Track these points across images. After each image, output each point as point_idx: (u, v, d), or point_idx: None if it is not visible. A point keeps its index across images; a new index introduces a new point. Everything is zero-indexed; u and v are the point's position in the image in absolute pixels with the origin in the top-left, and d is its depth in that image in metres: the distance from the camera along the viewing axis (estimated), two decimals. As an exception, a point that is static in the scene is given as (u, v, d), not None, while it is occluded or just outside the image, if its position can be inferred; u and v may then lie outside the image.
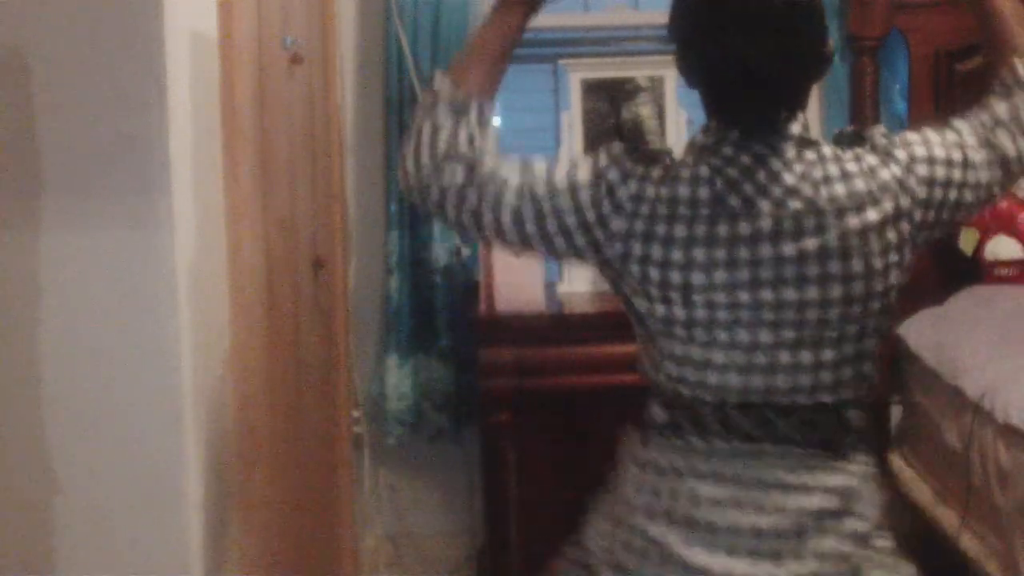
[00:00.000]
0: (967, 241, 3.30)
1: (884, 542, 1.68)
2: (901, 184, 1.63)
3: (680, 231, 1.60)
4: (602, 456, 1.78)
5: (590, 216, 1.63)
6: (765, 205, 1.60)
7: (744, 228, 1.60)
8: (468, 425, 3.39)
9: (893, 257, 1.63)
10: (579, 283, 3.28)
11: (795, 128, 1.63)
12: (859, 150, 1.65)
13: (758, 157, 1.62)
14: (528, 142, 3.40)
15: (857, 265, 1.61)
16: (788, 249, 1.60)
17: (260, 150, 2.30)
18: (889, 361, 3.29)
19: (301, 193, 2.69)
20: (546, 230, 1.65)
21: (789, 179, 1.61)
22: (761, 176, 1.61)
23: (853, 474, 1.65)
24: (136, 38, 1.90)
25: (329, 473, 3.01)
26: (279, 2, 2.48)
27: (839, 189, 1.61)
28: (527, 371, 2.98)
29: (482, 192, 1.65)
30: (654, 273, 1.62)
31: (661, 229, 1.61)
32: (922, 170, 1.65)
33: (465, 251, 3.33)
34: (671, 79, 3.31)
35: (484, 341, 3.05)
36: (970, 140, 1.69)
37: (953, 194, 1.66)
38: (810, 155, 1.63)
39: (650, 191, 1.62)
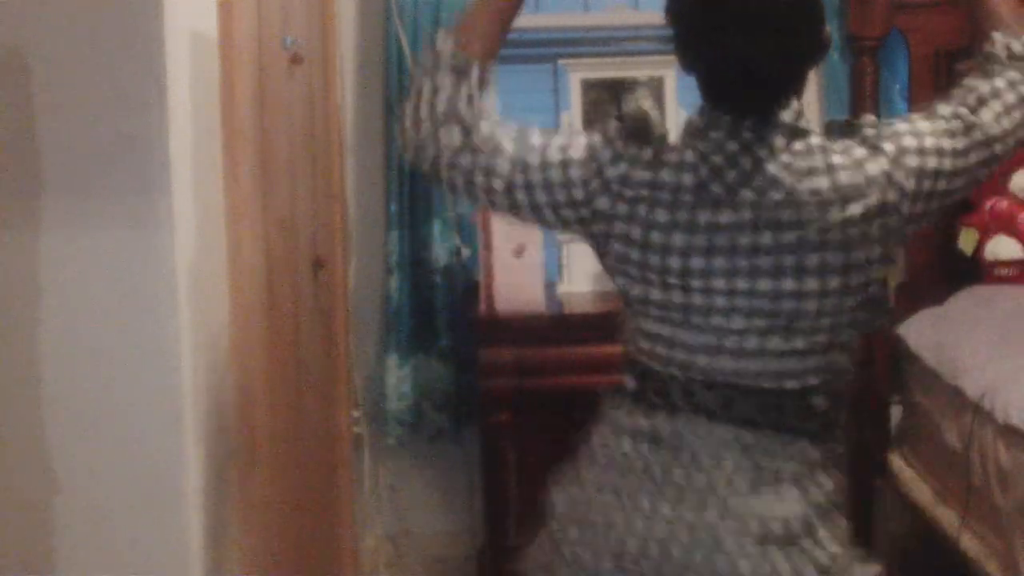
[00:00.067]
0: (967, 241, 3.30)
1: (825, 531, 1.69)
2: (889, 178, 1.62)
3: (661, 215, 1.62)
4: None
5: (578, 194, 1.66)
6: (747, 195, 1.60)
7: (724, 217, 1.61)
8: (468, 425, 3.39)
9: (875, 251, 1.63)
10: (579, 283, 3.29)
11: (787, 116, 1.63)
12: (848, 142, 1.64)
13: (745, 145, 1.62)
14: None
15: (835, 259, 1.60)
16: (766, 239, 1.60)
17: (260, 150, 2.30)
18: (889, 361, 3.30)
19: (301, 193, 2.69)
20: (536, 201, 1.67)
21: (773, 169, 1.61)
22: (746, 164, 1.61)
23: (809, 457, 1.67)
24: (136, 38, 1.90)
25: (329, 473, 3.01)
26: (279, 2, 2.48)
27: (822, 182, 1.60)
28: (527, 371, 2.98)
29: (476, 157, 1.67)
30: (635, 254, 1.64)
31: (643, 212, 1.63)
32: (912, 161, 1.63)
33: (465, 251, 3.33)
34: (671, 79, 3.31)
35: (484, 341, 3.05)
36: (957, 125, 1.67)
37: (943, 183, 1.65)
38: (798, 145, 1.62)
39: (637, 174, 1.64)
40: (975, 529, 2.66)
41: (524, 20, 3.51)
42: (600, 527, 1.66)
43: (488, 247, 3.05)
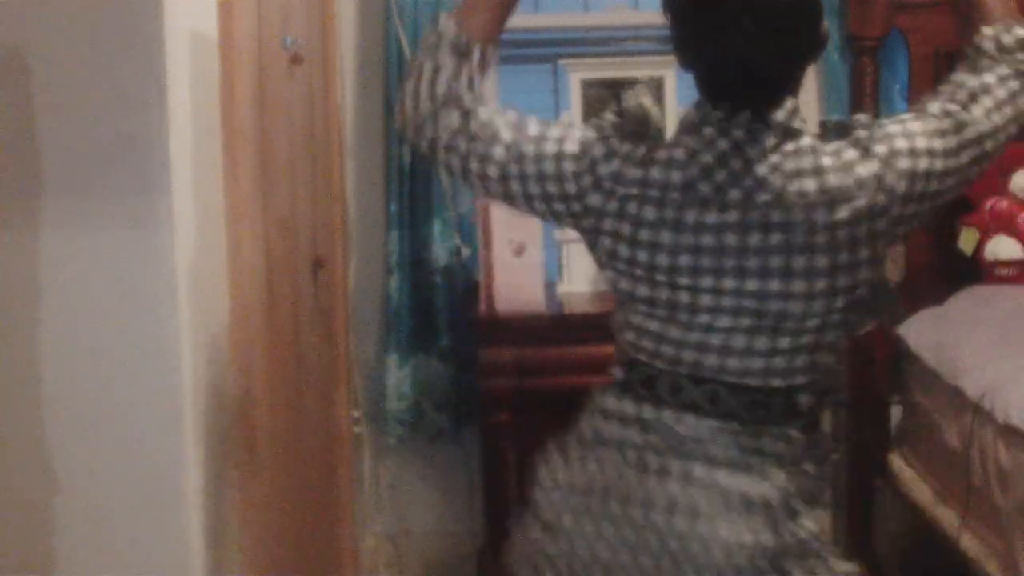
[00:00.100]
0: (967, 241, 3.30)
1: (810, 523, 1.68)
2: (879, 181, 1.61)
3: (650, 213, 1.62)
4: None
5: (570, 188, 1.67)
6: (734, 195, 1.60)
7: (711, 217, 1.61)
8: (468, 425, 3.39)
9: (863, 253, 1.62)
10: (579, 283, 3.28)
11: (780, 115, 1.62)
12: (840, 143, 1.63)
13: (736, 143, 1.62)
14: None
15: (822, 261, 1.60)
16: (753, 240, 1.60)
17: (260, 150, 2.30)
18: (889, 361, 3.30)
19: (301, 193, 2.69)
20: (528, 192, 1.68)
21: (762, 170, 1.60)
22: (735, 165, 1.61)
23: (794, 442, 1.66)
24: (136, 38, 1.90)
25: (329, 473, 3.01)
26: (279, 2, 2.48)
27: (810, 184, 1.60)
28: (527, 371, 2.98)
29: (472, 143, 1.68)
30: (623, 250, 1.65)
31: (633, 209, 1.63)
32: (904, 164, 1.62)
33: (465, 251, 3.33)
34: (671, 79, 3.31)
35: (484, 341, 3.05)
36: (948, 123, 1.65)
37: (935, 184, 1.64)
38: (789, 146, 1.62)
39: (629, 171, 1.64)
40: (975, 529, 2.66)
41: (524, 20, 3.52)
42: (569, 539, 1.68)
43: (488, 247, 3.05)
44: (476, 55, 1.69)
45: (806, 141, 1.63)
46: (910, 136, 1.64)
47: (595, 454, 1.69)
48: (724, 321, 1.63)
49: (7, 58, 1.90)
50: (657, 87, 3.33)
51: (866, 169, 1.61)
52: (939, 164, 1.64)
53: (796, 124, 1.63)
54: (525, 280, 3.05)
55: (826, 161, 1.61)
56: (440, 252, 3.33)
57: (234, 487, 2.17)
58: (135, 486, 1.96)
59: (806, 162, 1.61)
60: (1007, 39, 1.70)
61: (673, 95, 3.30)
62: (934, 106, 1.68)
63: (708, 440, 1.63)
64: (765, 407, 1.65)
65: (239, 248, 2.18)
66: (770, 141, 1.61)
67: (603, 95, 3.31)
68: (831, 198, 1.59)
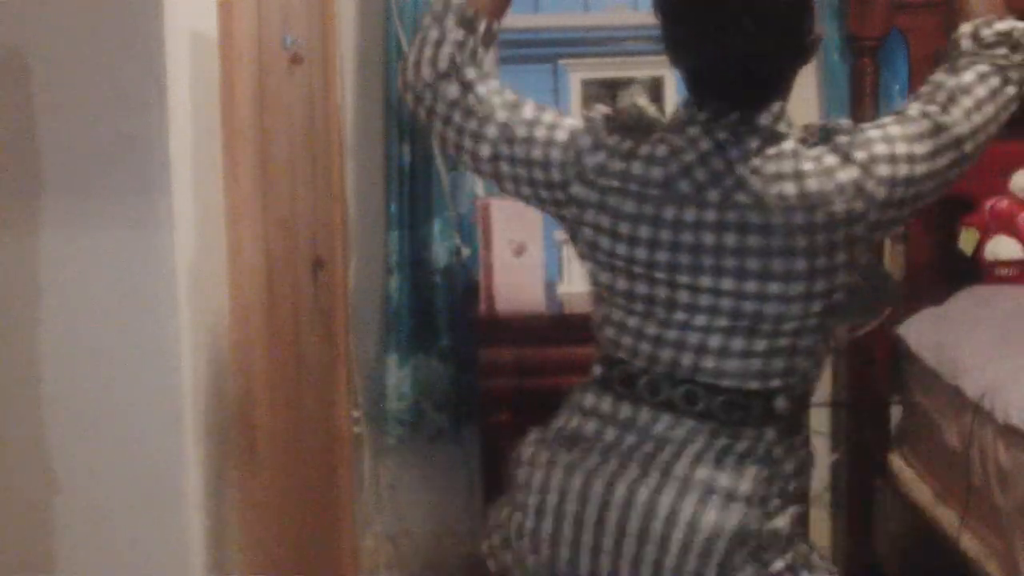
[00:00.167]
0: (967, 241, 3.30)
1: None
2: (858, 187, 1.60)
3: (629, 207, 1.63)
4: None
5: (556, 176, 1.67)
6: (713, 195, 1.60)
7: (689, 215, 1.61)
8: (468, 425, 3.39)
9: (841, 257, 1.61)
10: (579, 283, 3.28)
11: (765, 119, 1.62)
12: (822, 148, 1.62)
13: (719, 144, 1.62)
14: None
15: (799, 264, 1.60)
16: (730, 240, 1.60)
17: (260, 150, 2.30)
18: (889, 361, 3.30)
19: (301, 193, 2.69)
20: (516, 175, 1.69)
21: (742, 171, 1.60)
22: (716, 164, 1.61)
23: (771, 442, 1.66)
24: (136, 38, 1.90)
25: (329, 473, 3.01)
26: (279, 2, 2.48)
27: (790, 188, 1.59)
28: (527, 371, 2.98)
29: (467, 118, 1.69)
30: (604, 242, 1.66)
31: (613, 201, 1.64)
32: (883, 170, 1.61)
33: (465, 251, 3.33)
34: (670, 79, 3.31)
35: (484, 341, 3.05)
36: (927, 125, 1.63)
37: (914, 189, 1.63)
38: (771, 150, 1.61)
39: (613, 164, 1.65)
40: (975, 529, 2.66)
41: (524, 20, 3.52)
42: (556, 505, 1.66)
43: (488, 247, 3.05)
44: (481, 28, 1.70)
45: (788, 145, 1.62)
46: (890, 141, 1.62)
47: (570, 456, 1.68)
48: (701, 319, 1.62)
49: (7, 58, 1.90)
50: (656, 87, 3.34)
51: (846, 175, 1.60)
52: (919, 169, 1.62)
53: (781, 128, 1.63)
54: (525, 280, 3.05)
55: (807, 166, 1.60)
56: (440, 252, 3.33)
57: (234, 487, 2.17)
58: (135, 486, 1.97)
59: (787, 166, 1.60)
60: (986, 33, 1.68)
61: (673, 95, 3.29)
62: (913, 109, 1.66)
63: (685, 440, 1.63)
64: (742, 409, 1.64)
65: (239, 248, 2.18)
66: (753, 144, 1.61)
67: (603, 95, 3.32)
68: (810, 202, 1.59)
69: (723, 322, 1.62)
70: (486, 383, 3.02)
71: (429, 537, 3.54)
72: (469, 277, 3.31)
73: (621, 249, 1.64)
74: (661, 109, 3.27)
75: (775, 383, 1.65)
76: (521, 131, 1.68)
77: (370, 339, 3.44)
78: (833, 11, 3.28)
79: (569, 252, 3.28)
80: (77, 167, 1.92)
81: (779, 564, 1.63)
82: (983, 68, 1.66)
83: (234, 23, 2.12)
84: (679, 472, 1.62)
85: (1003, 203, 3.27)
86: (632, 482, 1.62)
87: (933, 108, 1.64)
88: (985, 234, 3.28)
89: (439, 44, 1.69)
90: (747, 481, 1.62)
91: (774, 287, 1.60)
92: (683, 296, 1.62)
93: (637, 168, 1.63)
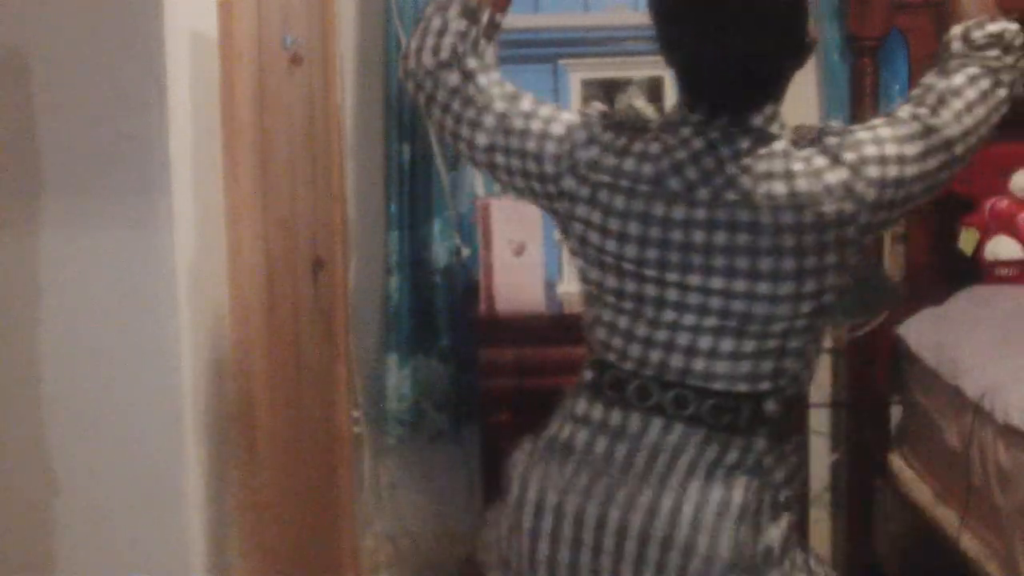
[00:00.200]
0: (967, 241, 3.30)
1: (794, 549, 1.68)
2: (847, 189, 1.59)
3: (619, 202, 1.63)
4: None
5: (549, 169, 1.67)
6: (703, 193, 1.60)
7: (679, 212, 1.60)
8: (468, 425, 3.39)
9: (831, 259, 1.61)
10: (579, 283, 3.28)
11: (757, 120, 1.62)
12: (812, 150, 1.62)
13: (711, 143, 1.62)
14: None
15: (788, 264, 1.59)
16: (720, 239, 1.60)
17: (260, 150, 2.30)
18: (889, 361, 3.30)
19: (301, 193, 2.69)
20: (511, 166, 1.70)
21: (732, 170, 1.60)
22: (707, 163, 1.61)
23: (761, 453, 1.65)
24: (136, 38, 1.91)
25: (329, 473, 3.01)
26: (279, 2, 2.48)
27: (779, 187, 1.59)
28: (527, 371, 2.98)
29: (466, 106, 1.69)
30: (594, 238, 1.65)
31: (604, 197, 1.64)
32: (873, 172, 1.60)
33: (465, 251, 3.33)
34: (670, 79, 3.31)
35: (484, 341, 3.05)
36: (916, 128, 1.63)
37: (904, 191, 1.62)
38: (761, 150, 1.61)
39: (606, 160, 1.65)
40: (975, 529, 2.66)
41: (524, 20, 3.52)
42: (555, 515, 1.66)
43: (488, 247, 3.05)
44: (484, 19, 1.71)
45: (779, 145, 1.62)
46: (880, 143, 1.62)
47: (564, 474, 1.67)
48: (690, 319, 1.62)
49: (7, 58, 1.90)
50: (656, 87, 3.33)
51: (835, 176, 1.59)
52: (909, 170, 1.62)
53: (773, 129, 1.63)
54: (525, 280, 3.05)
55: (797, 166, 1.60)
56: (440, 252, 3.33)
57: (234, 487, 2.17)
58: (135, 486, 1.97)
59: (777, 165, 1.60)
60: (977, 35, 1.68)
61: (672, 95, 3.29)
62: (903, 111, 1.65)
63: (677, 448, 1.62)
64: (732, 412, 1.63)
65: (239, 248, 2.18)
66: (744, 144, 1.61)
67: (601, 96, 3.31)
68: (799, 202, 1.58)
69: (712, 321, 1.61)
70: (486, 383, 3.02)
71: (429, 537, 3.55)
72: (469, 277, 3.31)
73: (611, 245, 1.64)
74: (660, 110, 3.27)
75: (764, 385, 1.64)
76: (518, 123, 1.68)
77: (370, 339, 3.44)
78: (833, 11, 3.28)
79: (569, 252, 3.28)
80: (77, 167, 1.92)
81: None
82: (973, 70, 1.66)
83: (234, 23, 2.12)
84: (673, 483, 1.61)
85: (1003, 203, 3.27)
86: (625, 510, 1.61)
87: (923, 110, 1.64)
88: (985, 234, 3.28)
89: (441, 33, 1.69)
90: (738, 493, 1.61)
91: (763, 287, 1.60)
92: (672, 294, 1.62)
93: (629, 164, 1.63)
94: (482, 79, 1.70)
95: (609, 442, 1.65)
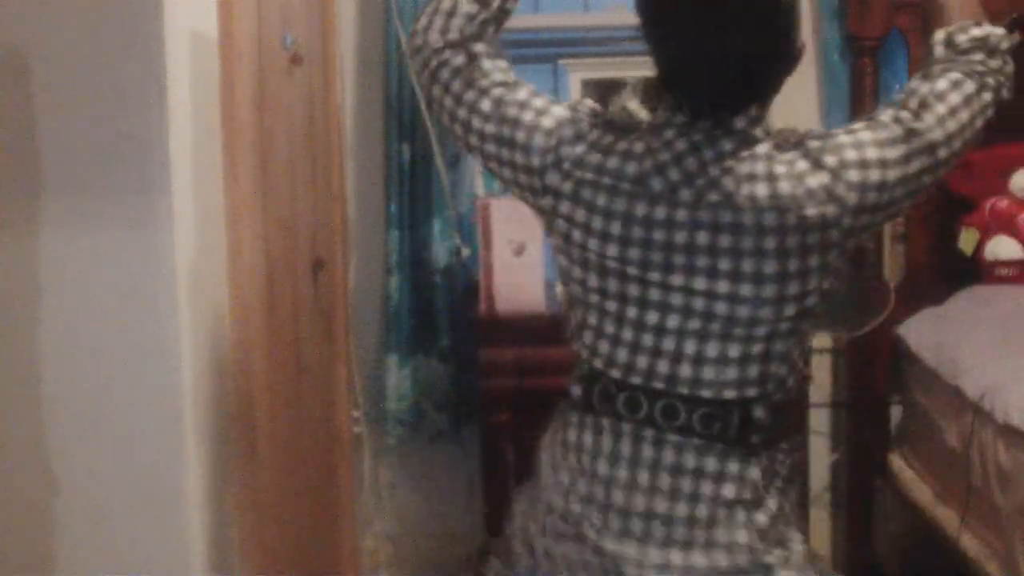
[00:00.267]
0: (967, 241, 3.30)
1: (796, 545, 1.68)
2: (828, 192, 1.58)
3: (602, 201, 1.63)
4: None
5: (535, 161, 1.67)
6: (685, 194, 1.60)
7: (660, 213, 1.60)
8: (468, 425, 3.39)
9: (814, 262, 1.60)
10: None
11: (740, 122, 1.62)
12: (794, 153, 1.61)
13: (694, 145, 1.61)
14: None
15: (771, 266, 1.58)
16: (702, 239, 1.59)
17: (260, 150, 2.30)
18: (889, 361, 3.30)
19: (301, 193, 2.69)
20: (500, 156, 1.70)
21: (715, 171, 1.60)
22: (690, 164, 1.60)
23: (758, 467, 1.65)
24: (136, 38, 1.90)
25: (329, 473, 3.01)
26: (279, 2, 2.48)
27: (761, 189, 1.58)
28: (527, 371, 2.98)
29: (467, 88, 1.70)
30: (577, 235, 1.65)
31: (587, 195, 1.64)
32: (854, 176, 1.59)
33: (465, 251, 3.33)
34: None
35: (484, 341, 3.05)
36: (897, 131, 1.62)
37: (887, 195, 1.61)
38: (744, 152, 1.60)
39: (591, 157, 1.65)
40: (975, 529, 2.66)
41: (524, 20, 3.51)
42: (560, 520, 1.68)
43: (488, 247, 3.05)
44: (495, 5, 1.72)
45: (762, 148, 1.61)
46: (860, 147, 1.61)
47: (555, 502, 1.69)
48: (673, 321, 1.61)
49: (7, 58, 1.90)
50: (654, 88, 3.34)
51: (816, 180, 1.59)
52: (891, 174, 1.61)
53: (756, 132, 1.62)
54: (525, 280, 3.05)
55: (779, 169, 1.59)
56: (440, 252, 3.33)
57: (234, 487, 2.17)
58: (135, 486, 1.97)
59: (760, 167, 1.59)
60: (961, 38, 1.68)
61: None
62: (885, 114, 1.65)
63: (671, 465, 1.62)
64: (722, 421, 1.63)
65: (239, 248, 2.18)
66: (727, 146, 1.61)
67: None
68: (781, 204, 1.58)
69: (696, 324, 1.61)
70: (486, 383, 3.02)
71: (429, 537, 3.54)
72: (469, 277, 3.31)
73: (593, 244, 1.63)
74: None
75: (751, 391, 1.64)
76: (511, 111, 1.68)
77: (370, 339, 3.44)
78: (833, 11, 3.28)
79: (569, 252, 3.28)
80: (77, 167, 1.92)
81: None
82: (957, 75, 1.66)
83: (234, 23, 2.12)
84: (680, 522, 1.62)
85: (1003, 203, 3.27)
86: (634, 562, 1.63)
87: (905, 114, 1.63)
88: (985, 234, 3.28)
89: (451, 14, 1.71)
90: (733, 530, 1.62)
91: (745, 289, 1.59)
92: (654, 294, 1.61)
93: (613, 162, 1.63)
94: (486, 63, 1.70)
95: (607, 469, 1.65)
